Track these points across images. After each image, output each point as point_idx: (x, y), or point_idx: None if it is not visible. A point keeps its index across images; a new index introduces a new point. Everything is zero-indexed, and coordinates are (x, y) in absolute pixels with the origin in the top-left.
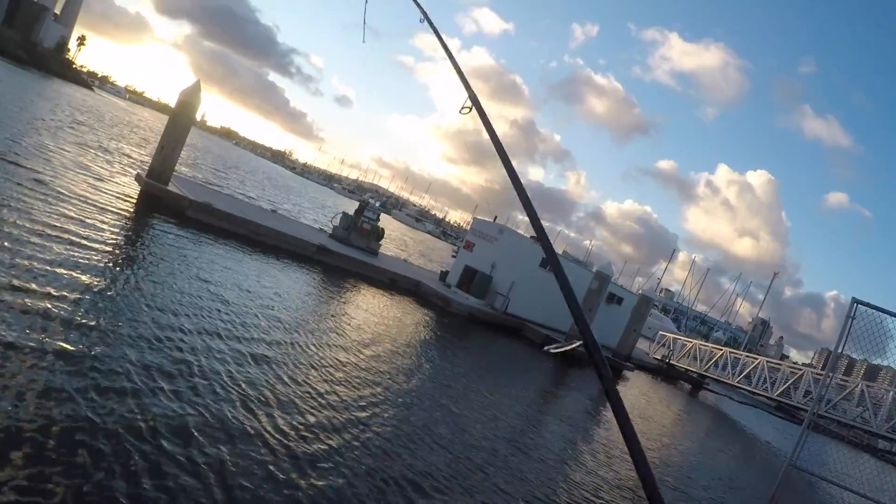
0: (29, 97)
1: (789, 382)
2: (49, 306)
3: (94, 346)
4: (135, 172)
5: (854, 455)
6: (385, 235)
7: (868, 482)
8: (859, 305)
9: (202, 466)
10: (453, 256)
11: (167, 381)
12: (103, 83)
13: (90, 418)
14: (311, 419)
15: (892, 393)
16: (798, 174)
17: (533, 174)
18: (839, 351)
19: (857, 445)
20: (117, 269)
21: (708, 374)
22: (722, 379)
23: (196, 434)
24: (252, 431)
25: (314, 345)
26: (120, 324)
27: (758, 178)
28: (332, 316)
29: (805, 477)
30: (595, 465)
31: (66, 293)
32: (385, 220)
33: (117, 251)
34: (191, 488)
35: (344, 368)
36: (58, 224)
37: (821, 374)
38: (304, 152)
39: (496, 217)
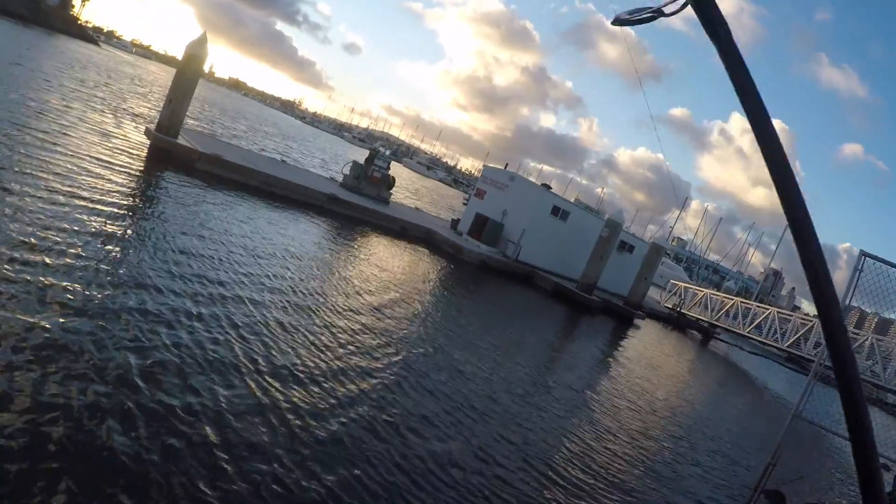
0: (34, 55)
1: (800, 333)
2: (69, 260)
3: (122, 293)
4: (144, 127)
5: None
6: (396, 184)
7: (876, 436)
8: (867, 258)
9: (198, 405)
10: (464, 204)
11: (183, 321)
12: (109, 38)
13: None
14: (318, 363)
15: None
16: (813, 124)
17: (544, 121)
18: (846, 303)
19: (866, 399)
20: (131, 222)
21: (719, 324)
22: (733, 329)
23: (195, 372)
24: (251, 372)
25: (325, 292)
26: (138, 273)
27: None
28: (343, 264)
29: (812, 428)
30: (600, 413)
31: (84, 247)
32: (396, 169)
33: (129, 205)
34: (188, 421)
35: (354, 314)
36: (70, 181)
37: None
38: (313, 101)
39: (507, 164)
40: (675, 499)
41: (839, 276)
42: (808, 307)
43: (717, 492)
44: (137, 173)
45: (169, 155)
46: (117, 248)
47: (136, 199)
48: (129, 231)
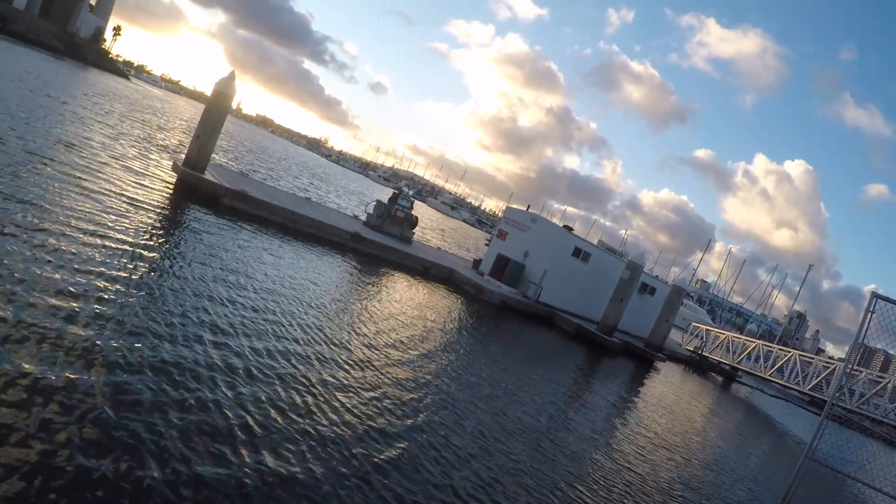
0: (66, 87)
1: (822, 376)
2: (96, 306)
3: (149, 323)
4: (171, 161)
5: (890, 452)
6: (419, 223)
7: None
8: (879, 300)
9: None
10: (486, 245)
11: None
12: (139, 72)
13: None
14: (343, 397)
15: None
16: (837, 165)
17: (568, 162)
18: (860, 341)
19: (890, 442)
20: (157, 255)
21: (740, 367)
22: (754, 372)
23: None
24: (287, 409)
25: (349, 328)
26: (165, 306)
27: (796, 169)
28: (366, 301)
29: (831, 472)
30: (615, 453)
31: (110, 280)
32: (420, 208)
33: (156, 239)
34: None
35: (378, 353)
36: (97, 216)
37: (857, 370)
38: (339, 140)
39: (529, 206)
40: None
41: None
42: (833, 350)
43: None
44: (164, 208)
45: (196, 190)
46: (143, 289)
47: (163, 235)
48: (154, 270)
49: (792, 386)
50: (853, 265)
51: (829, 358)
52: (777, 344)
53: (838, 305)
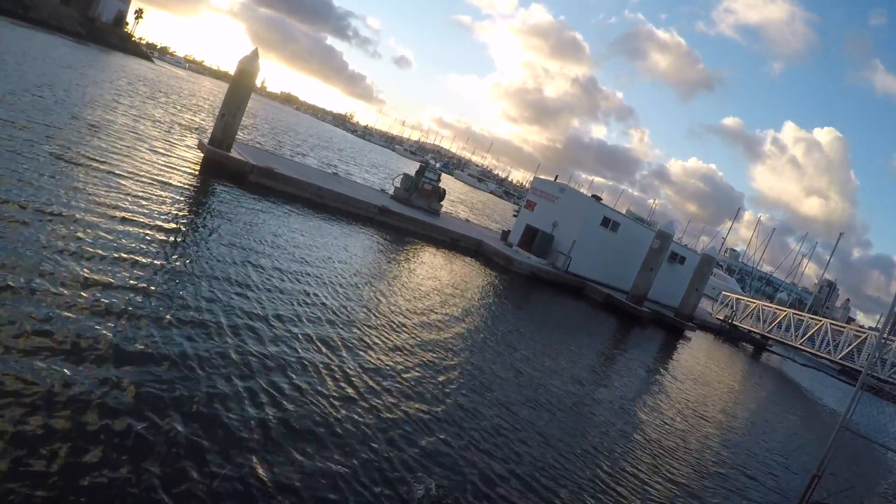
0: (89, 72)
1: (853, 346)
2: (129, 271)
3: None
4: (197, 140)
5: None
6: (447, 196)
7: None
8: None
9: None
10: (514, 216)
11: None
12: (163, 54)
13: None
14: (378, 362)
15: None
16: (868, 132)
17: (595, 132)
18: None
19: None
20: (187, 236)
21: (771, 336)
22: (785, 341)
23: (265, 374)
24: (322, 371)
25: (380, 298)
26: (200, 287)
27: (826, 136)
28: (396, 273)
29: (864, 443)
30: (648, 422)
31: (143, 265)
32: (447, 181)
33: (185, 219)
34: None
35: (410, 324)
36: (124, 198)
37: (891, 339)
38: (364, 115)
39: (557, 176)
40: (728, 499)
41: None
42: (863, 319)
43: (768, 499)
44: (191, 187)
45: (222, 168)
46: (177, 265)
47: (192, 215)
48: (185, 251)
49: (823, 355)
50: (884, 234)
51: (860, 327)
52: (807, 313)
53: (868, 274)
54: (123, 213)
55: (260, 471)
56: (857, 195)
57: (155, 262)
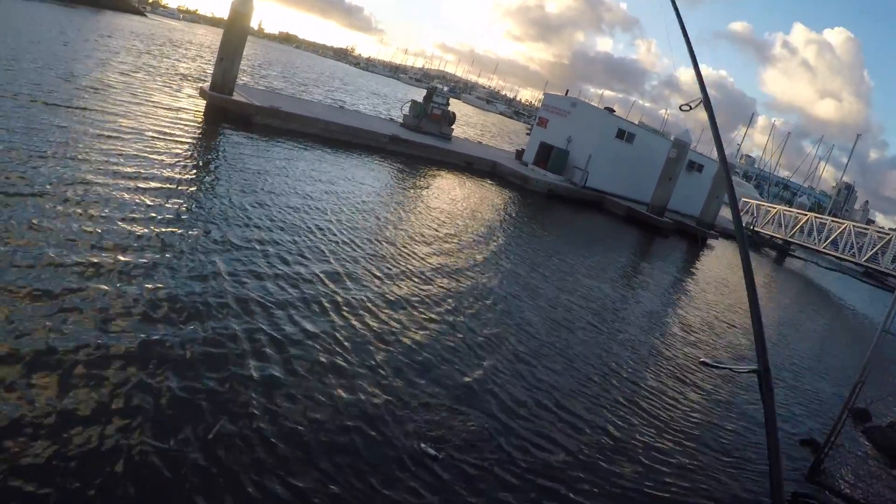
0: (81, 32)
1: (877, 247)
2: (152, 224)
3: (210, 233)
4: (198, 88)
5: None
6: (457, 120)
7: None
8: None
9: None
10: (527, 134)
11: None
12: (155, 7)
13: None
14: (398, 289)
15: None
16: (880, 31)
17: (601, 45)
18: None
19: None
20: (199, 184)
21: (793, 241)
22: (808, 245)
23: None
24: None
25: (399, 226)
26: (219, 220)
27: (837, 37)
28: (413, 199)
29: (890, 345)
30: (679, 333)
31: (161, 221)
32: (455, 105)
33: (194, 168)
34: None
35: (429, 244)
36: (131, 157)
37: None
38: (365, 47)
39: (567, 91)
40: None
41: None
42: (883, 220)
43: (805, 410)
44: (197, 135)
45: (226, 112)
46: (195, 214)
47: (201, 163)
48: (200, 200)
49: (847, 258)
50: None
51: (881, 228)
52: (828, 216)
53: (887, 175)
54: (132, 172)
55: (263, 414)
56: (872, 96)
57: (167, 217)
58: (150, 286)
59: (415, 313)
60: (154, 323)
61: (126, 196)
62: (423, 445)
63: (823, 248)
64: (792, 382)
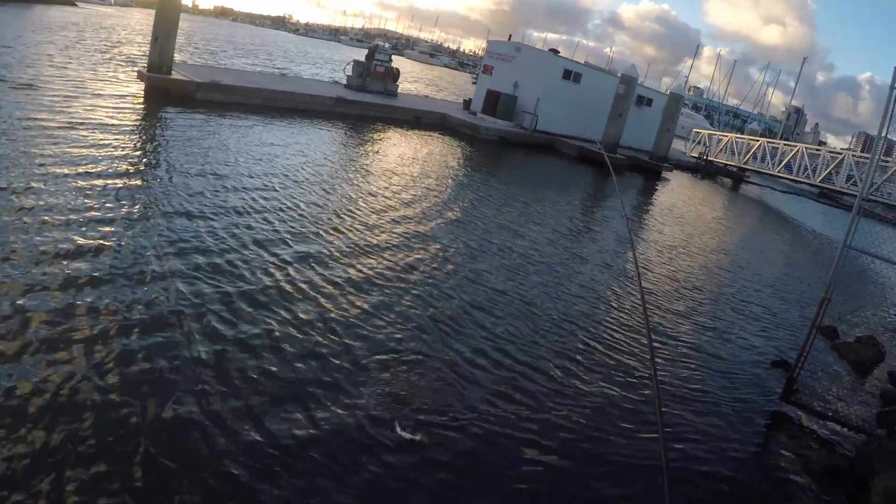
0: (10, 30)
1: (830, 167)
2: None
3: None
4: (136, 71)
5: None
6: (402, 76)
7: None
8: None
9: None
10: (473, 83)
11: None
12: None
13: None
14: (353, 249)
15: None
16: None
17: None
18: (885, 122)
19: None
20: (146, 171)
21: (747, 167)
22: (762, 170)
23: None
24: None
25: (351, 187)
26: (168, 201)
27: None
28: (363, 160)
29: (857, 264)
30: (646, 263)
31: (108, 211)
32: (399, 62)
33: (140, 155)
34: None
35: (387, 203)
36: (72, 152)
37: (863, 157)
38: (303, 13)
39: (510, 36)
40: (736, 340)
41: (863, 108)
42: (834, 141)
43: (775, 332)
44: (139, 120)
45: (167, 92)
46: (139, 197)
47: (145, 149)
48: (148, 186)
49: (802, 180)
50: (845, 55)
51: (833, 148)
52: (780, 140)
53: (835, 97)
54: (72, 167)
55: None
56: (815, 19)
57: (115, 211)
58: (97, 277)
59: (365, 273)
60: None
61: (67, 193)
62: (399, 430)
63: (778, 172)
64: (759, 306)
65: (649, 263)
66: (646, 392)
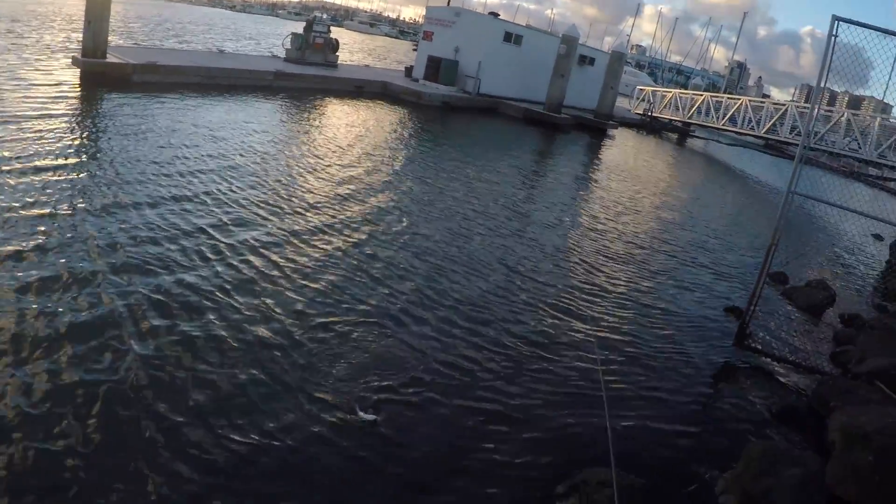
0: None
1: (774, 119)
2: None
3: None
4: (70, 58)
5: (847, 183)
6: (342, 47)
7: (866, 205)
8: (840, 23)
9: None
10: (414, 50)
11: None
12: None
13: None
14: (296, 223)
15: (878, 120)
16: None
17: None
18: (824, 72)
19: (849, 175)
20: (81, 150)
21: (692, 122)
22: (707, 124)
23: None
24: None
25: (292, 160)
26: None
27: None
28: (305, 133)
29: (805, 212)
30: (595, 220)
31: (52, 206)
32: (338, 33)
33: (78, 145)
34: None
35: (324, 176)
36: (7, 132)
37: (806, 108)
38: None
39: (449, 1)
40: (688, 290)
41: (805, 60)
42: (778, 94)
43: (727, 280)
44: (75, 108)
45: (103, 77)
46: (75, 189)
47: (84, 138)
48: (90, 176)
49: (747, 132)
50: (787, 8)
51: (777, 101)
52: (724, 94)
53: (776, 51)
54: (10, 165)
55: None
56: None
57: (50, 206)
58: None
59: (308, 248)
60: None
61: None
62: (360, 413)
63: (723, 125)
64: (710, 256)
65: (597, 220)
66: (609, 348)
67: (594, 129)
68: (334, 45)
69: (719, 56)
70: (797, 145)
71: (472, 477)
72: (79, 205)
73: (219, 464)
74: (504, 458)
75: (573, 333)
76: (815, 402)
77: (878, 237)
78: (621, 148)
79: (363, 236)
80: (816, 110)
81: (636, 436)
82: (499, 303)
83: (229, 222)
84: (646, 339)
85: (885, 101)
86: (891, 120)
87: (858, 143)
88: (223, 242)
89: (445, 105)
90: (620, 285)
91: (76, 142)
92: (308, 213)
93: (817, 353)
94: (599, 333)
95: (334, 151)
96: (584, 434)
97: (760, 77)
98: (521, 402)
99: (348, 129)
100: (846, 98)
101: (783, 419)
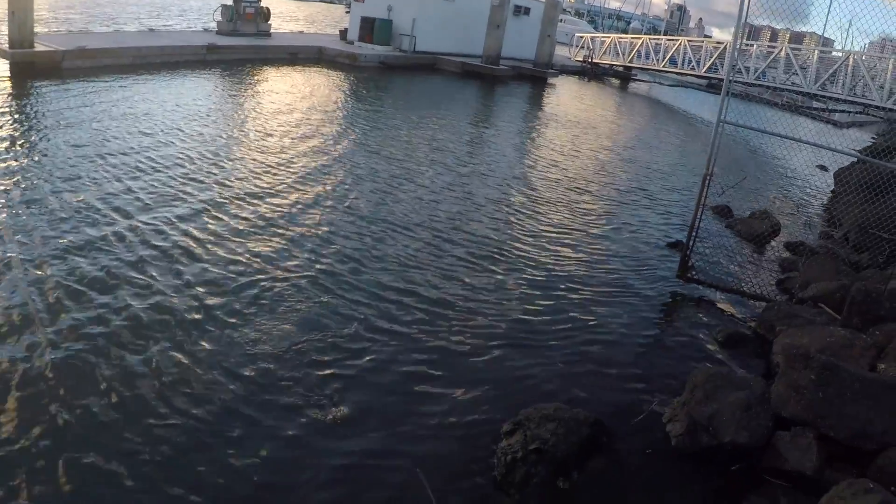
0: None
1: (714, 58)
2: None
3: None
4: None
5: (791, 118)
6: (276, 16)
7: (812, 137)
8: None
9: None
10: (347, 13)
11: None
12: None
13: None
14: (227, 201)
15: (815, 53)
16: None
17: None
18: (742, 22)
19: (793, 110)
20: (14, 144)
21: (633, 65)
22: (648, 67)
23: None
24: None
25: (238, 138)
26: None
27: None
28: (241, 105)
29: (749, 147)
30: (544, 166)
31: None
32: (270, 2)
33: (6, 129)
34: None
35: (260, 147)
36: None
37: (747, 45)
38: None
39: None
40: (632, 229)
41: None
42: (719, 34)
43: (671, 217)
44: (3, 99)
45: (32, 66)
46: (9, 182)
47: (16, 132)
48: (24, 170)
49: (687, 72)
50: None
51: (717, 41)
52: (661, 37)
53: None
54: None
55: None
56: None
57: None
58: None
59: (231, 218)
60: None
61: None
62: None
63: (663, 66)
64: (652, 195)
65: (536, 170)
66: (552, 293)
67: (534, 78)
68: (266, 14)
69: (659, 0)
70: (739, 83)
71: (421, 428)
72: (9, 199)
73: (133, 442)
74: (450, 408)
75: (516, 281)
76: (760, 328)
77: (822, 168)
78: (563, 96)
79: (290, 203)
80: (739, 41)
81: (582, 372)
82: (432, 259)
83: (150, 202)
84: (589, 279)
85: (824, 36)
86: (831, 53)
87: (800, 77)
88: (142, 221)
89: (383, 65)
90: (562, 230)
91: (5, 133)
92: (234, 183)
93: (762, 282)
94: (541, 277)
95: (274, 120)
96: (531, 376)
97: (701, 19)
98: (464, 350)
99: (283, 96)
100: (787, 34)
101: (729, 346)
